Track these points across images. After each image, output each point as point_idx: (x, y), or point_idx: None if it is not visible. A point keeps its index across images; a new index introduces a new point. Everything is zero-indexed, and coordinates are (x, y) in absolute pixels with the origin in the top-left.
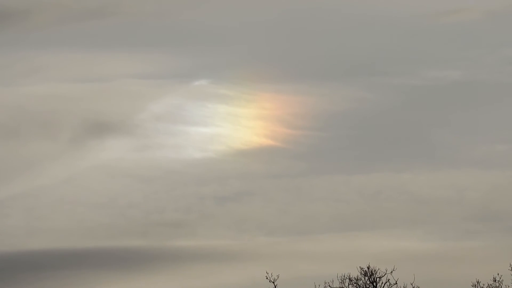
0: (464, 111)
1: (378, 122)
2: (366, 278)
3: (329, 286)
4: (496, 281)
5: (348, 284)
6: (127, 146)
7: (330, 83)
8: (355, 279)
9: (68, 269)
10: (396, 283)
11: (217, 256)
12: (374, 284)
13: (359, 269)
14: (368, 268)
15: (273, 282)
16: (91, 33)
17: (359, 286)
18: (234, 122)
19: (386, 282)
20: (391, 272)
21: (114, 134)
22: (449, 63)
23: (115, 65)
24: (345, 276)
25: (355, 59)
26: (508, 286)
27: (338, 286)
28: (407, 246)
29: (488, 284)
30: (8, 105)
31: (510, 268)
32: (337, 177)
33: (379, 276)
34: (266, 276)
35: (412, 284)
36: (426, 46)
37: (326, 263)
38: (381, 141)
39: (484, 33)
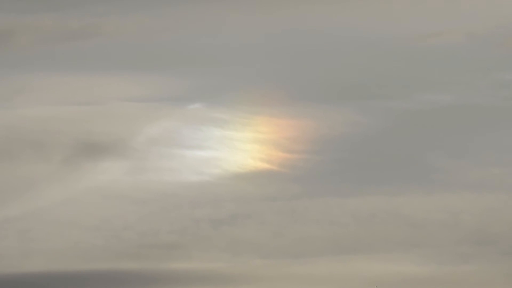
0: (458, 134)
1: (372, 146)
2: None
3: None
4: None
5: None
6: (122, 169)
7: (325, 107)
8: None
9: None
10: None
11: (212, 278)
12: None
13: None
14: None
15: None
16: (78, 54)
17: None
18: (229, 146)
19: None
20: None
21: (108, 157)
22: (442, 86)
23: (108, 88)
24: None
25: (348, 83)
26: None
27: None
28: (403, 269)
29: None
30: None
31: None
32: (332, 200)
33: None
34: None
35: None
36: (417, 69)
37: (323, 286)
38: (376, 164)
39: (471, 56)
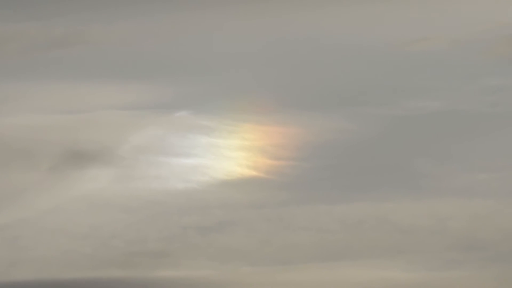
0: (445, 140)
1: (360, 152)
2: None
3: None
4: None
5: None
6: (109, 177)
7: (311, 114)
8: None
9: None
10: None
11: (200, 286)
12: None
13: None
14: None
15: None
16: (63, 63)
17: None
18: (216, 153)
19: None
20: None
21: (95, 165)
22: (429, 93)
23: (94, 96)
24: None
25: (335, 90)
26: None
27: None
28: (391, 276)
29: None
30: None
31: None
32: (320, 206)
33: None
34: None
35: None
36: (403, 76)
37: None
38: (363, 171)
39: (457, 62)
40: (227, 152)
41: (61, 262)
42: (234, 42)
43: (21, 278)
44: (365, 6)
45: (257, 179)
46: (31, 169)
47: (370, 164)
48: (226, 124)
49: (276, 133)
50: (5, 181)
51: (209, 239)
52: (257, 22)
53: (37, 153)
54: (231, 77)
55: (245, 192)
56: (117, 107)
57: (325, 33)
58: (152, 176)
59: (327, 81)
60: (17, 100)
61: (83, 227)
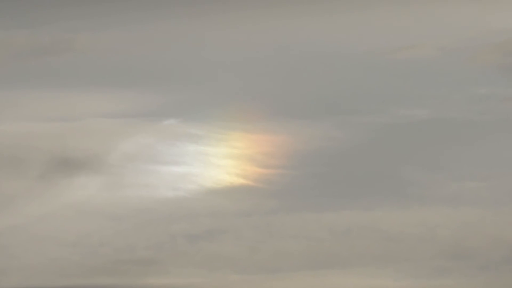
0: (434, 148)
1: (348, 160)
2: None
3: None
4: None
5: None
6: (98, 185)
7: (300, 122)
8: None
9: None
10: None
11: None
12: None
13: None
14: None
15: None
16: (51, 70)
17: None
18: (205, 161)
19: None
20: None
21: (84, 173)
22: (417, 100)
23: (82, 104)
24: None
25: (323, 98)
26: None
27: None
28: (379, 284)
29: None
30: None
31: None
32: (308, 214)
33: None
34: None
35: None
36: (391, 84)
37: None
38: (352, 179)
39: (445, 70)
40: (216, 160)
41: (50, 270)
42: (223, 50)
43: (9, 286)
44: (353, 14)
45: (246, 187)
46: (20, 176)
47: (359, 172)
48: (215, 132)
49: (264, 141)
50: None
51: (197, 247)
52: (245, 31)
53: (26, 161)
54: (220, 85)
55: (234, 200)
56: (106, 115)
57: (314, 40)
58: (141, 184)
59: (316, 89)
60: (5, 108)
61: (72, 235)
